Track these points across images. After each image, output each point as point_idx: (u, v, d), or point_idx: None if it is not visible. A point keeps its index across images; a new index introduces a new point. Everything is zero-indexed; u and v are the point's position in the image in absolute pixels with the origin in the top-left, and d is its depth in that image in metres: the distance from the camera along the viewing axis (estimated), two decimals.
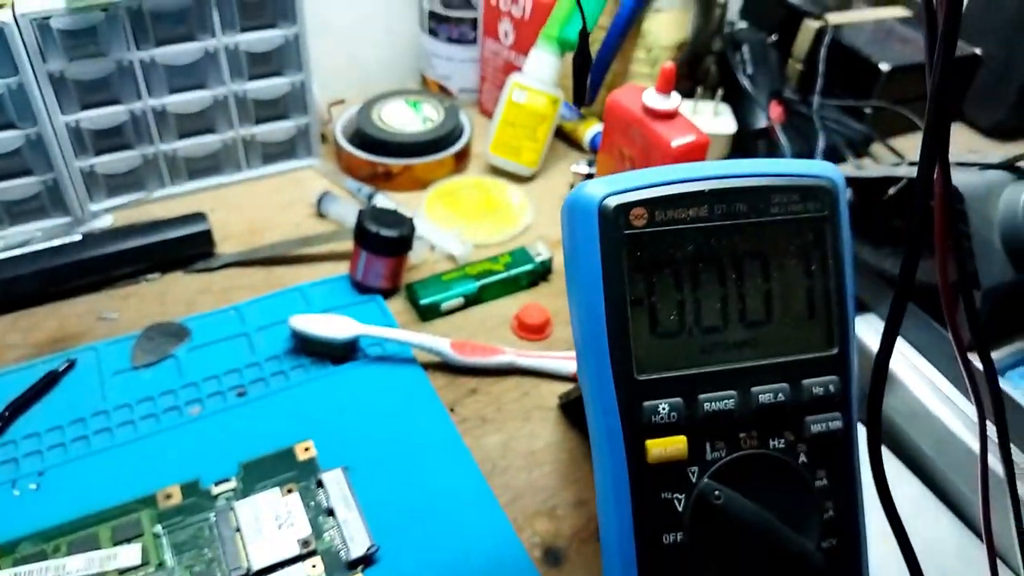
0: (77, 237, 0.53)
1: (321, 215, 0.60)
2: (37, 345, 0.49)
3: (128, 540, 0.38)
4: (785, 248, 0.31)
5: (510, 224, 0.60)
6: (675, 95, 0.48)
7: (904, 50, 0.74)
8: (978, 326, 0.33)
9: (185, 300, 0.52)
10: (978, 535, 0.41)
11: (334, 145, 0.65)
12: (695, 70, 0.72)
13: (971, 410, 0.38)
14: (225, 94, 0.58)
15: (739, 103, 0.68)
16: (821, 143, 0.67)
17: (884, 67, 0.71)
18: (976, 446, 0.36)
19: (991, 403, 0.33)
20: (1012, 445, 0.41)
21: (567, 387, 0.48)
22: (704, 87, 0.69)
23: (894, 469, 0.44)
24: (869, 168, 0.57)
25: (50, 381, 0.45)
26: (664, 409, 0.30)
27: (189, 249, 0.54)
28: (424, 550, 0.39)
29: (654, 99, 0.48)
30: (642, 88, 0.49)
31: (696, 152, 0.47)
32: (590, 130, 0.68)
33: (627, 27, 0.65)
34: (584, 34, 0.42)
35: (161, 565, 0.37)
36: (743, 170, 0.31)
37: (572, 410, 0.47)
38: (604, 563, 0.32)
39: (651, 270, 0.30)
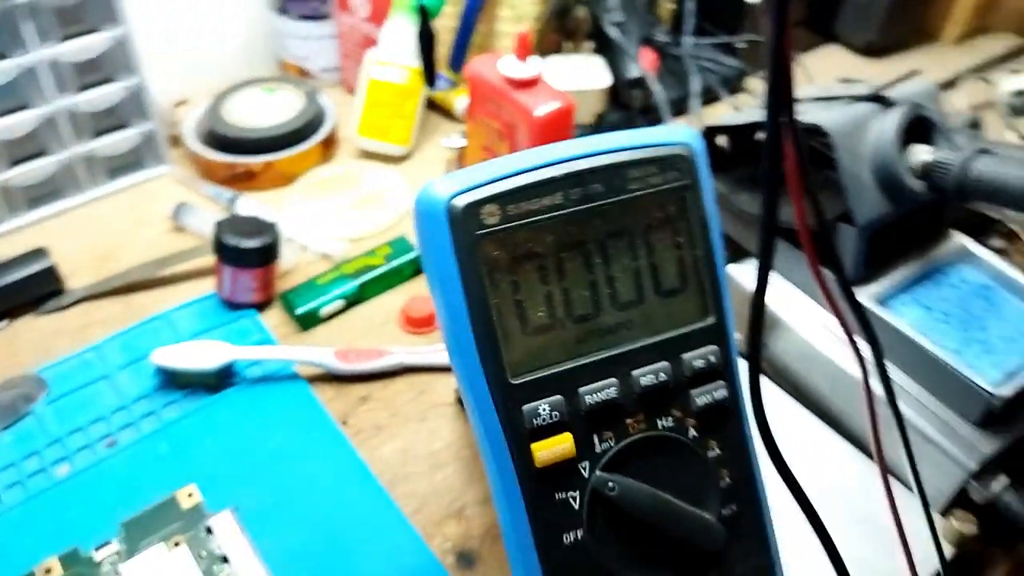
0: None
1: (180, 229, 0.57)
2: None
3: None
4: (649, 224, 0.30)
5: (387, 211, 0.59)
6: (533, 60, 0.47)
7: None
8: (839, 264, 0.34)
9: (38, 346, 0.49)
10: (872, 459, 0.43)
11: (185, 149, 0.62)
12: (565, 23, 0.71)
13: (861, 345, 0.39)
14: (52, 111, 0.54)
15: (611, 54, 0.67)
16: (695, 85, 0.67)
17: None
18: (859, 374, 0.37)
19: (867, 334, 0.33)
20: (896, 368, 0.43)
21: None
22: (576, 40, 0.69)
23: (797, 415, 0.45)
24: (740, 114, 0.57)
25: None
26: (545, 410, 0.29)
27: (35, 289, 0.50)
28: (337, 567, 0.38)
29: (513, 67, 0.46)
30: (498, 55, 0.48)
31: (563, 118, 0.46)
32: (461, 98, 0.67)
33: None
34: (423, 9, 0.40)
35: None
36: (594, 147, 0.30)
37: None
38: (511, 567, 0.32)
39: (512, 267, 0.29)
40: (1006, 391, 0.40)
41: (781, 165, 0.28)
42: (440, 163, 0.64)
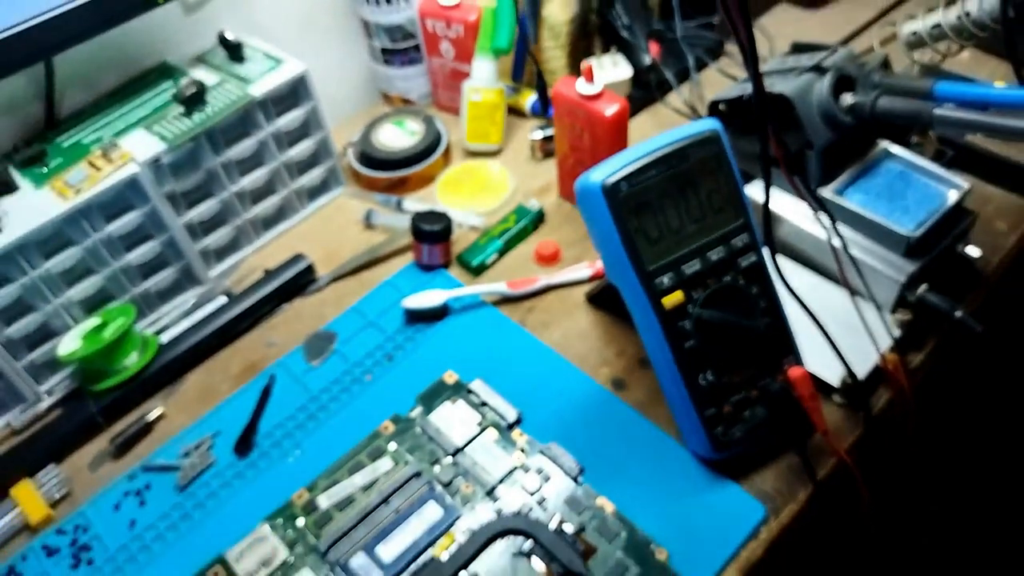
0: (223, 300, 0.75)
1: (370, 227, 0.83)
2: (236, 377, 0.72)
3: (379, 457, 0.63)
4: (703, 175, 0.57)
5: (502, 191, 0.85)
6: (598, 81, 0.72)
7: None
8: (806, 174, 0.61)
9: (315, 315, 0.76)
10: (847, 289, 0.69)
11: (350, 172, 0.88)
12: (589, 34, 0.96)
13: (824, 220, 0.66)
14: (277, 165, 0.80)
15: (626, 49, 0.92)
16: (691, 62, 0.92)
17: None
18: (826, 237, 0.64)
19: (828, 213, 0.60)
20: (851, 229, 0.69)
21: (587, 287, 0.74)
22: (592, 41, 0.93)
23: (795, 269, 0.72)
24: (730, 88, 0.81)
25: (266, 392, 0.69)
26: (666, 280, 0.56)
27: (301, 280, 0.77)
28: (545, 407, 0.65)
29: (585, 87, 0.72)
30: (574, 79, 0.73)
31: (623, 113, 0.72)
32: (527, 99, 0.93)
33: (534, 17, 0.89)
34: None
35: (406, 463, 0.62)
36: (669, 140, 0.56)
37: (596, 299, 0.73)
38: (657, 370, 0.59)
39: (638, 211, 0.56)
40: (918, 233, 0.66)
41: (765, 120, 0.55)
42: (525, 150, 0.90)
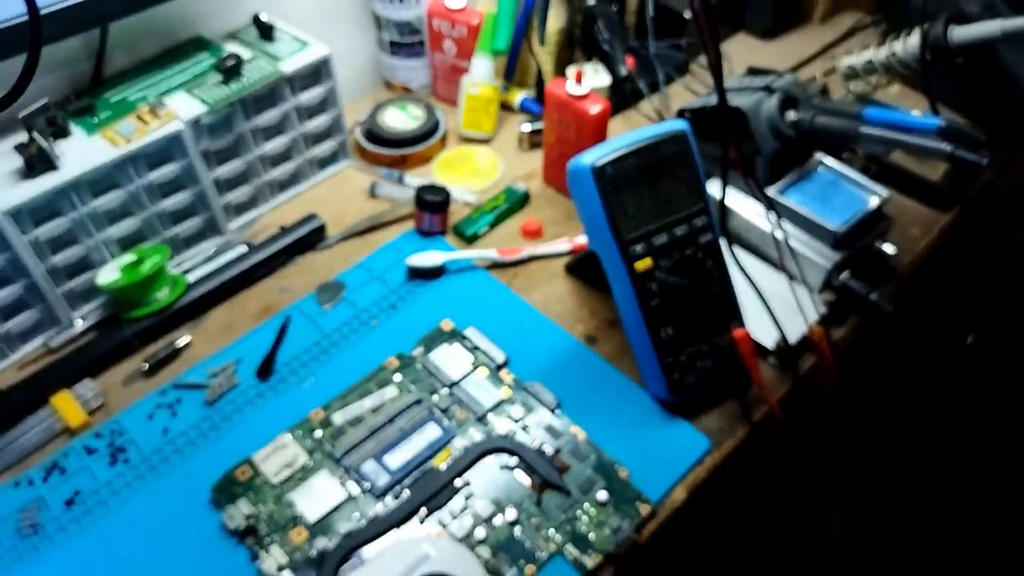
0: (243, 249, 0.84)
1: (374, 197, 0.93)
2: (255, 316, 0.81)
3: (385, 385, 0.72)
4: (672, 165, 0.69)
5: (492, 174, 0.96)
6: (586, 83, 0.84)
7: None
8: (755, 175, 0.73)
9: (325, 268, 0.85)
10: (784, 272, 0.82)
11: (357, 147, 0.97)
12: (572, 45, 1.08)
13: (769, 215, 0.78)
14: (296, 135, 0.89)
15: (606, 60, 1.04)
16: (661, 77, 1.05)
17: (687, 14, 1.09)
18: (769, 229, 0.77)
19: (772, 209, 0.72)
20: (790, 223, 0.81)
21: (565, 259, 0.85)
22: (574, 51, 1.05)
23: (742, 255, 0.84)
24: (695, 100, 0.94)
25: (283, 328, 0.78)
26: (639, 248, 0.68)
27: (313, 237, 0.86)
28: (528, 354, 0.76)
29: (574, 88, 0.84)
30: (564, 80, 0.85)
31: (605, 111, 0.84)
32: (517, 96, 1.04)
33: (526, 25, 1.00)
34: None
35: (409, 391, 0.72)
36: (646, 135, 0.68)
37: (573, 269, 0.84)
38: (627, 324, 0.71)
39: (619, 189, 0.67)
40: (843, 228, 0.79)
41: (728, 127, 0.67)
42: (513, 140, 1.01)
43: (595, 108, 0.83)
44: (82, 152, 0.74)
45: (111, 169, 0.74)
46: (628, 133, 0.69)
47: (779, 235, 0.78)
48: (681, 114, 0.87)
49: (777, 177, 0.84)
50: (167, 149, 0.78)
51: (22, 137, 0.72)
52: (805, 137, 0.82)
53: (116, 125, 0.76)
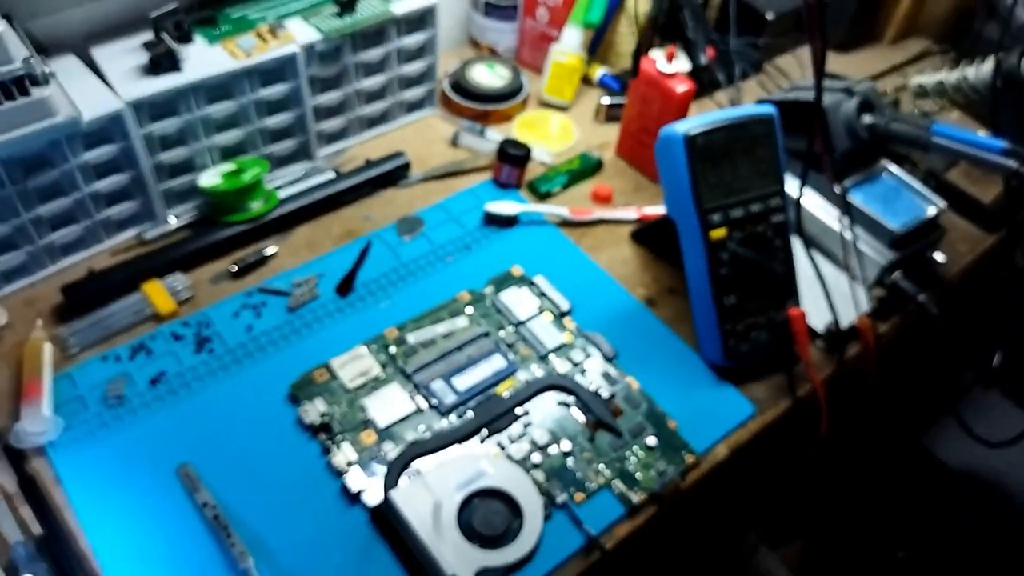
0: (332, 175, 0.87)
1: (454, 145, 0.96)
2: (337, 237, 0.84)
3: (456, 315, 0.76)
4: (756, 145, 0.72)
5: (568, 139, 0.99)
6: (676, 62, 0.86)
7: (783, 2, 1.15)
8: (836, 171, 0.76)
9: (405, 204, 0.88)
10: (840, 264, 0.85)
11: (442, 98, 1.01)
12: (654, 29, 1.10)
13: (834, 212, 0.81)
14: (393, 75, 0.92)
15: (688, 48, 1.06)
16: (738, 72, 1.07)
17: (769, 16, 1.11)
18: (839, 228, 0.79)
19: (844, 207, 0.75)
20: (862, 230, 0.84)
21: (631, 227, 0.88)
22: (659, 37, 1.08)
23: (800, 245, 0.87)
24: (775, 93, 0.96)
25: (365, 251, 0.81)
26: (716, 218, 0.71)
27: (397, 174, 0.89)
28: (591, 307, 0.79)
29: (665, 66, 0.86)
30: (655, 59, 0.88)
31: (690, 92, 0.86)
32: (598, 71, 1.06)
33: (619, 3, 1.03)
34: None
35: (479, 324, 0.75)
36: (737, 114, 0.71)
37: (639, 237, 0.87)
38: (692, 288, 0.74)
39: (706, 159, 0.70)
40: (901, 230, 0.82)
41: (816, 125, 0.70)
42: (589, 112, 1.03)
43: (681, 87, 0.86)
44: (204, 59, 0.77)
45: (229, 79, 0.77)
46: (720, 111, 0.72)
47: (845, 229, 0.81)
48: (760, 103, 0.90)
49: (843, 176, 0.86)
50: (281, 69, 0.81)
51: (149, 36, 0.75)
52: (877, 140, 0.84)
53: (237, 39, 0.79)
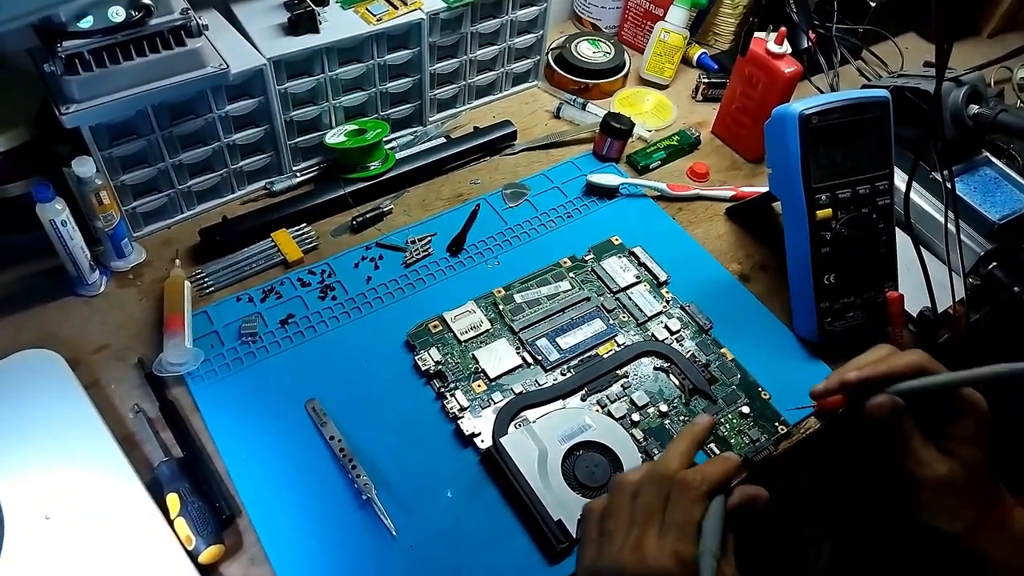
0: (442, 140, 0.89)
1: (556, 117, 0.96)
2: (447, 200, 0.85)
3: (560, 280, 0.77)
4: (869, 128, 0.70)
5: (667, 116, 0.98)
6: (786, 44, 0.85)
7: None
8: (945, 160, 0.74)
9: (510, 172, 0.89)
10: (942, 261, 0.83)
11: (545, 71, 1.01)
12: (753, 13, 1.08)
13: (933, 200, 0.79)
14: (504, 46, 0.92)
15: (790, 32, 1.04)
16: (837, 57, 1.05)
17: (873, 2, 1.08)
18: (942, 219, 0.77)
19: (950, 197, 0.73)
20: (959, 219, 0.82)
21: (726, 204, 0.88)
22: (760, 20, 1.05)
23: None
24: (882, 79, 0.94)
25: (474, 213, 0.83)
26: (823, 198, 0.70)
27: (503, 141, 0.90)
28: (687, 279, 0.79)
29: (774, 47, 0.85)
30: (765, 40, 0.86)
31: (797, 73, 0.85)
32: (697, 53, 1.05)
33: None
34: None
35: (580, 290, 0.76)
36: (853, 95, 0.69)
37: (733, 214, 0.87)
38: (792, 265, 0.73)
39: (818, 139, 0.69)
40: (1000, 221, 0.79)
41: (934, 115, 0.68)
42: (687, 91, 1.02)
43: (789, 68, 0.84)
44: (339, 22, 0.78)
45: (362, 42, 0.79)
46: (835, 93, 0.70)
47: (948, 218, 0.79)
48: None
49: (953, 163, 0.84)
50: (407, 35, 0.82)
51: None
52: (981, 131, 0.82)
53: (369, 4, 0.80)
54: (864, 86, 0.88)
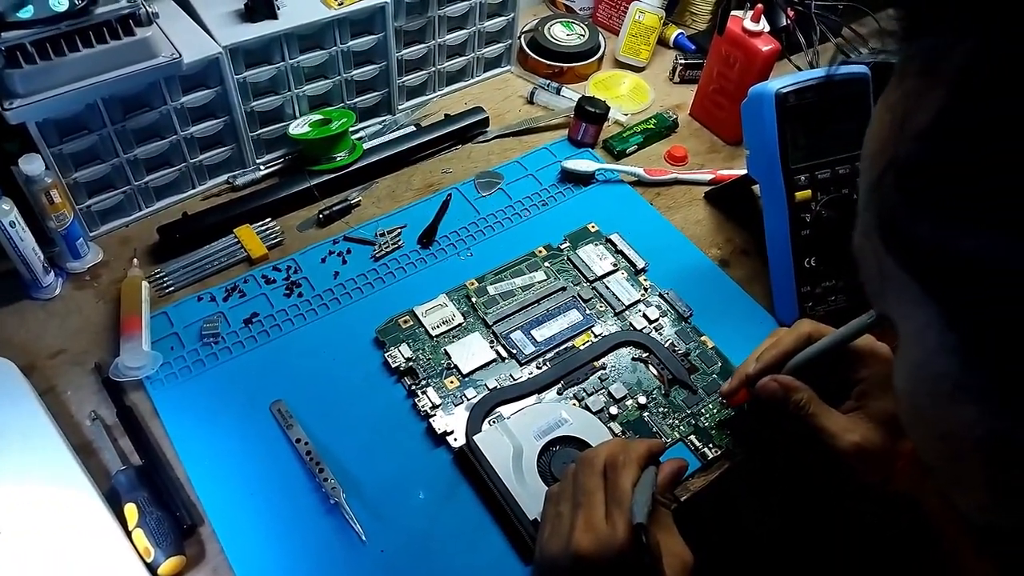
0: (412, 128, 0.86)
1: (531, 102, 0.94)
2: (417, 190, 0.83)
3: (534, 270, 0.74)
4: (847, 105, 0.68)
5: (643, 99, 0.95)
6: (763, 22, 0.82)
7: None
8: None
9: (483, 159, 0.86)
10: None
11: (518, 55, 0.98)
12: None
13: None
14: (473, 30, 0.90)
15: (768, 9, 1.01)
16: (817, 33, 1.02)
17: None
18: None
19: None
20: None
21: (705, 189, 0.85)
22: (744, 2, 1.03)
23: None
24: (868, 55, 0.92)
25: (446, 203, 0.80)
26: (802, 179, 0.68)
27: (475, 129, 0.88)
28: (666, 266, 0.77)
29: (751, 25, 0.82)
30: (741, 19, 0.84)
31: (774, 51, 0.82)
32: (673, 33, 1.02)
33: None
34: None
35: (556, 278, 0.74)
36: (826, 71, 0.67)
37: (712, 198, 0.85)
38: (772, 249, 0.71)
39: (795, 118, 0.67)
40: None
41: None
42: (664, 73, 1.00)
43: (766, 47, 0.82)
44: (298, 7, 0.75)
45: (322, 27, 0.76)
46: (812, 70, 0.68)
47: None
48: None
49: None
50: (370, 20, 0.79)
51: None
52: None
53: None
54: (843, 62, 0.85)
